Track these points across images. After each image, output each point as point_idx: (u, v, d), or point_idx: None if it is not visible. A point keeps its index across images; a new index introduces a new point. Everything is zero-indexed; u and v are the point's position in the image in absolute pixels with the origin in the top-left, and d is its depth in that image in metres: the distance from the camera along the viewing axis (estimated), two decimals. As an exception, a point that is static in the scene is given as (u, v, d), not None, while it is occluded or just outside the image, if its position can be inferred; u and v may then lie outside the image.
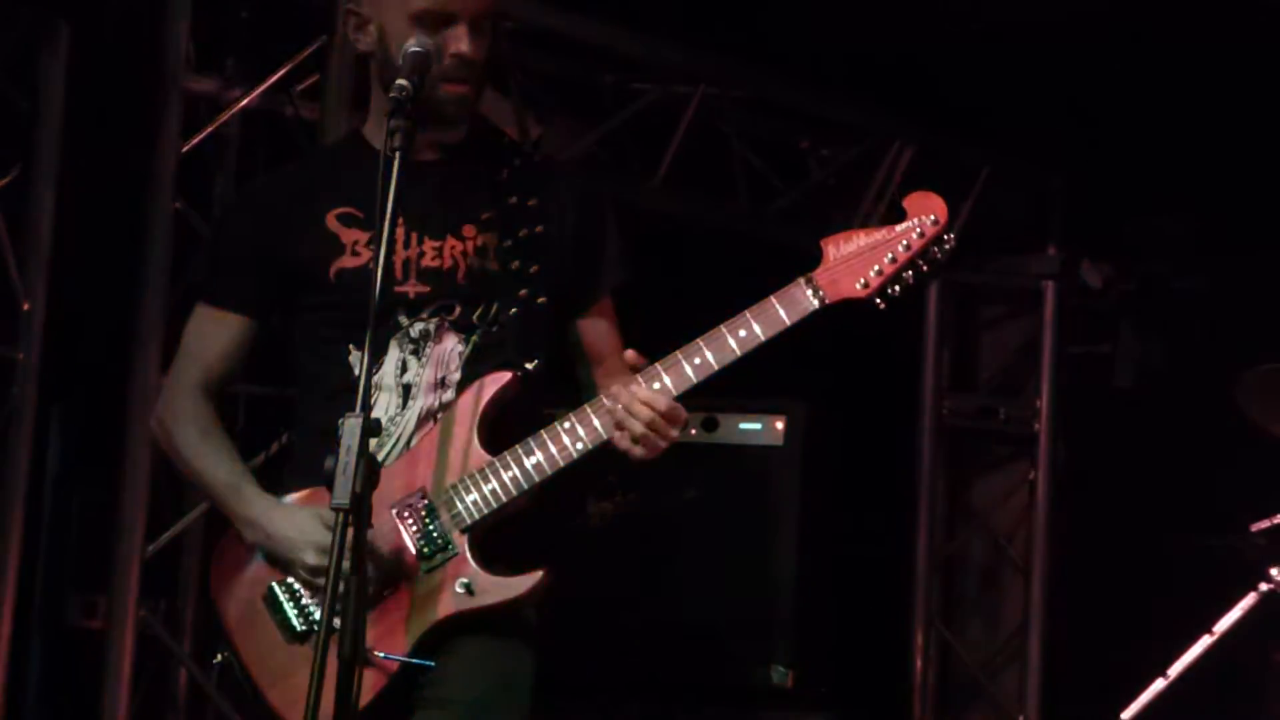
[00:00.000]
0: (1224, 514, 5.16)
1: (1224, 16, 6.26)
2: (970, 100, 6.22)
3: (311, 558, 3.47)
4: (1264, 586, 5.02)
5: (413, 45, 3.42)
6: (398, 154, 3.24)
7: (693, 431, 4.91)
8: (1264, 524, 5.01)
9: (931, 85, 6.35)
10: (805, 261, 3.46)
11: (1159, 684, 5.09)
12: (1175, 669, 5.04)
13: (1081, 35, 6.55)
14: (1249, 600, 4.96)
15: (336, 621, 3.11)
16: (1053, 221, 6.92)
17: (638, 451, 3.45)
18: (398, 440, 3.62)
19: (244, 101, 5.34)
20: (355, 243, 3.69)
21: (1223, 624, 4.98)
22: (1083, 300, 7.02)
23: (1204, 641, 5.02)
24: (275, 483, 3.68)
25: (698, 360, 3.45)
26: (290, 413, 3.89)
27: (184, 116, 5.32)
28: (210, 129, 5.32)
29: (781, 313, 3.49)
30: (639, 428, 3.44)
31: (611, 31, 6.14)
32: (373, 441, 3.19)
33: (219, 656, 3.78)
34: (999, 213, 6.64)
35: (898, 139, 5.53)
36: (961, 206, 5.67)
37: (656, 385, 3.47)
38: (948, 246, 3.53)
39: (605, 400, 3.53)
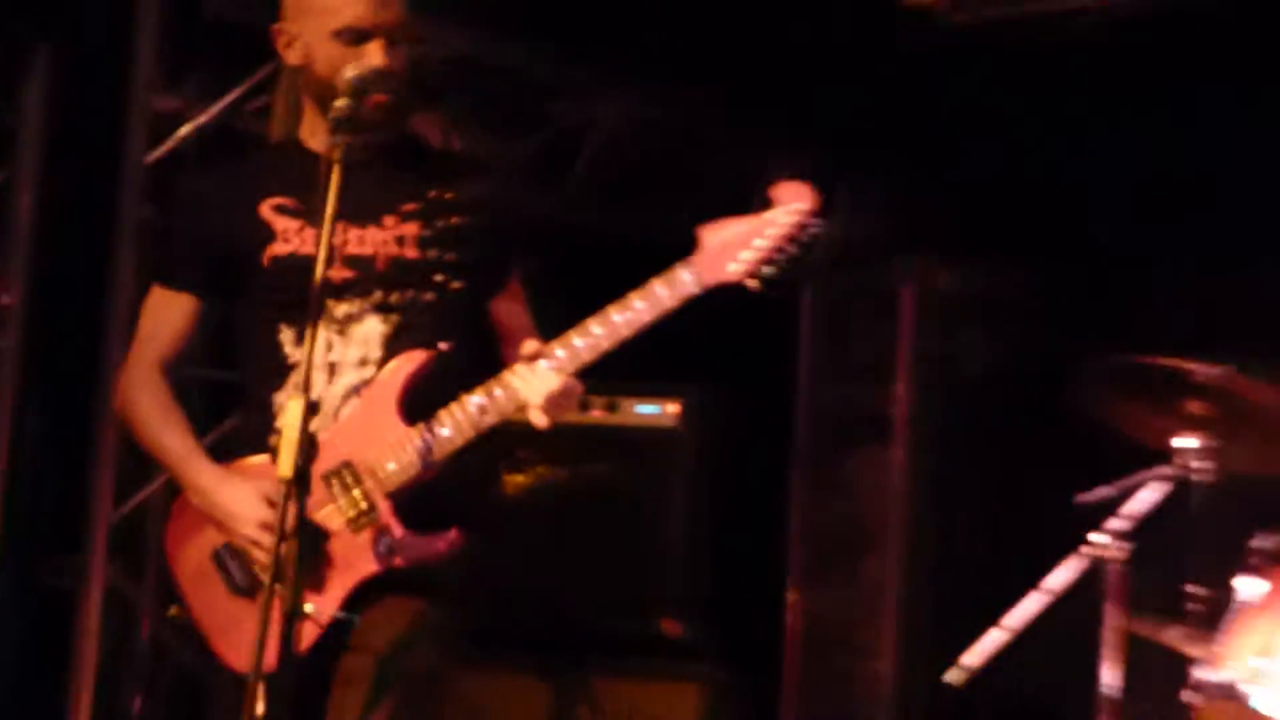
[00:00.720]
0: (1059, 488, 5.17)
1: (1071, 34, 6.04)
2: (842, 126, 6.21)
3: (249, 529, 3.64)
4: (1085, 549, 4.95)
5: (351, 71, 3.54)
6: (336, 166, 3.39)
7: (596, 414, 5.06)
8: (1088, 496, 5.03)
9: (803, 107, 6.26)
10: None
11: (994, 633, 5.01)
12: (1008, 620, 4.98)
13: (933, 55, 6.39)
14: (1073, 561, 4.97)
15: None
16: (910, 231, 6.88)
17: (540, 421, 3.61)
18: (325, 414, 3.71)
19: (202, 118, 5.29)
20: (287, 230, 3.81)
21: (1050, 581, 4.98)
22: (937, 300, 6.99)
23: (1034, 596, 5.01)
24: (225, 454, 3.86)
25: (589, 338, 3.61)
26: (237, 392, 4.07)
27: (151, 130, 5.21)
28: (171, 144, 5.20)
29: (662, 294, 3.59)
30: (538, 399, 3.59)
31: (530, 53, 5.97)
32: (310, 418, 3.36)
33: (172, 610, 3.98)
34: (864, 224, 6.67)
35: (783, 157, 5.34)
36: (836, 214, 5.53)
37: (554, 361, 3.63)
38: (814, 230, 3.60)
39: (510, 375, 3.68)
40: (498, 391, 3.66)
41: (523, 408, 3.66)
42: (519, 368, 3.66)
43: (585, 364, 3.64)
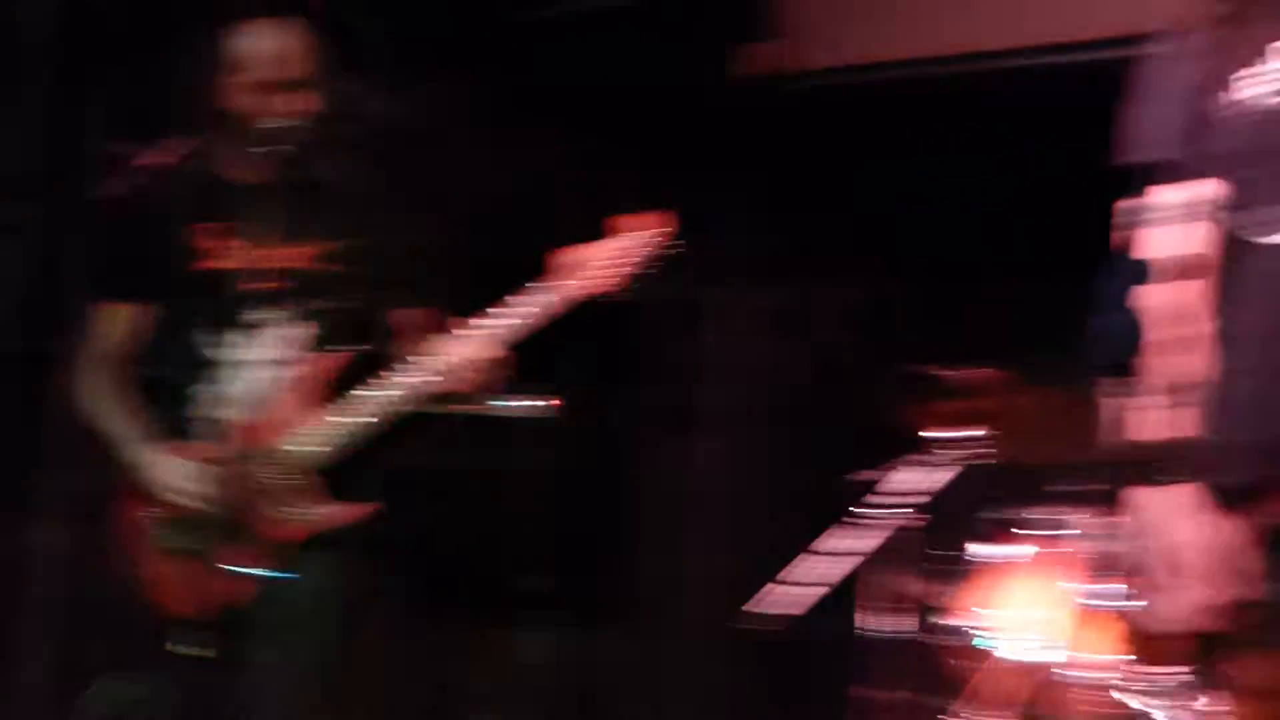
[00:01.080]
0: (854, 469, 5.36)
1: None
2: (681, 170, 6.20)
3: (180, 496, 3.89)
4: (863, 519, 5.25)
5: (267, 120, 3.87)
6: (262, 192, 3.85)
7: (486, 405, 5.01)
8: (860, 476, 5.33)
9: (649, 155, 6.36)
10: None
11: (775, 587, 5.36)
12: (798, 574, 5.32)
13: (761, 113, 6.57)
14: (853, 529, 5.29)
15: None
16: (731, 256, 6.91)
17: (464, 385, 3.89)
18: (247, 404, 3.93)
19: (148, 158, 4.67)
20: (213, 247, 3.99)
21: (832, 544, 5.32)
22: (754, 314, 7.20)
23: (819, 557, 5.32)
24: (162, 438, 4.00)
25: (490, 331, 3.88)
26: (163, 389, 4.11)
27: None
28: (124, 184, 4.52)
29: (536, 301, 3.89)
30: (445, 365, 3.85)
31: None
32: (232, 407, 3.86)
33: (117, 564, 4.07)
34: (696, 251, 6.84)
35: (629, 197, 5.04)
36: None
37: (465, 351, 3.88)
38: (666, 252, 3.96)
39: (422, 359, 3.89)
40: (413, 372, 3.90)
41: (438, 381, 3.90)
42: (433, 348, 3.91)
43: (492, 343, 3.91)
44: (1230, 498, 2.64)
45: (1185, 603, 2.55)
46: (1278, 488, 2.62)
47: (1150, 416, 2.20)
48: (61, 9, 5.14)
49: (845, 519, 5.26)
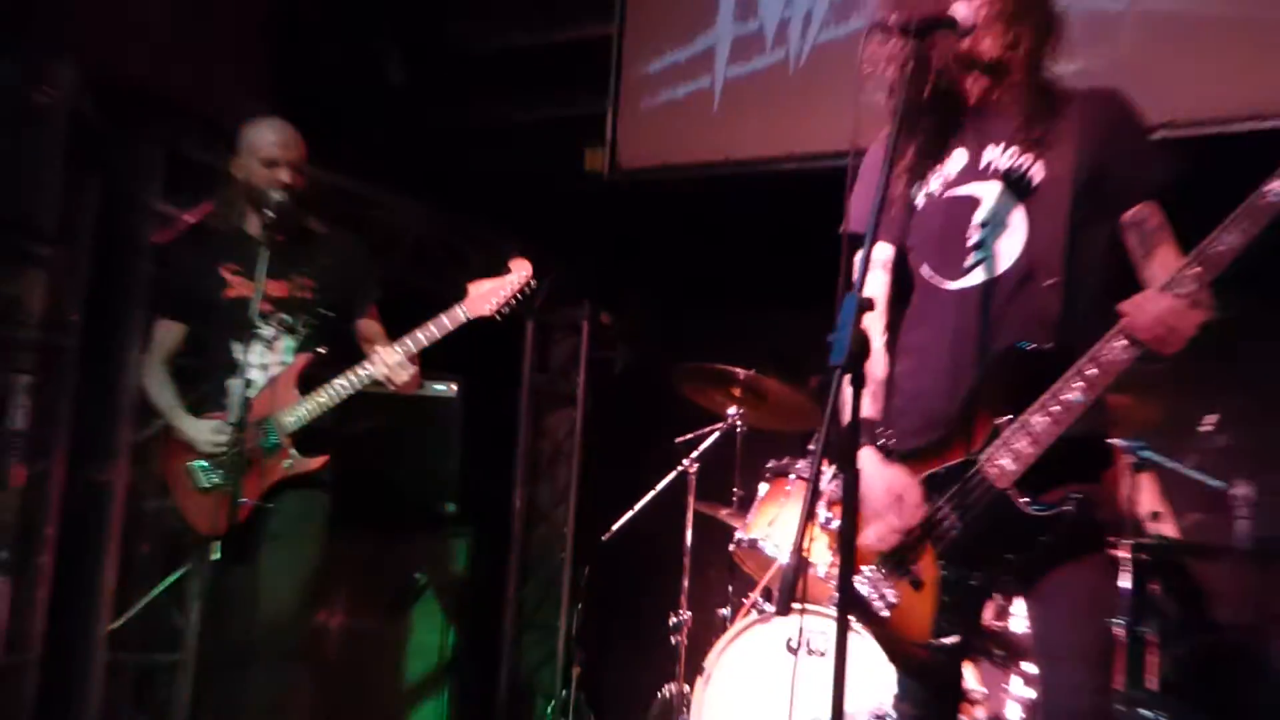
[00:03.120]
0: (669, 434, 5.20)
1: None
2: (553, 232, 6.20)
3: (207, 449, 3.92)
4: (680, 466, 5.03)
5: (272, 191, 3.84)
6: (268, 242, 3.75)
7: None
8: (681, 439, 5.12)
9: (531, 220, 6.22)
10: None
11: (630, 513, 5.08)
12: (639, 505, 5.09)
13: (601, 194, 6.27)
14: (672, 474, 5.08)
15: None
16: (582, 288, 6.96)
17: (396, 384, 3.89)
18: (256, 388, 3.90)
19: (191, 217, 5.06)
20: (235, 283, 3.97)
21: (658, 485, 5.08)
22: (601, 328, 7.12)
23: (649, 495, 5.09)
24: (196, 411, 4.11)
25: (412, 341, 3.88)
26: (203, 378, 4.17)
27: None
28: (173, 231, 4.96)
29: (448, 318, 3.87)
30: (383, 371, 3.85)
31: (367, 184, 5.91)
32: (246, 390, 3.80)
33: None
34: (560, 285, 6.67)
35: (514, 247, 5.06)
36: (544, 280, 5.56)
37: (400, 349, 3.88)
38: (534, 286, 3.94)
39: (371, 359, 3.89)
40: (362, 370, 3.90)
41: (377, 378, 3.90)
42: (375, 355, 3.88)
43: (413, 354, 3.91)
44: (902, 458, 2.67)
45: (880, 525, 2.57)
46: (933, 451, 2.63)
47: (851, 401, 2.17)
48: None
49: (674, 467, 5.12)
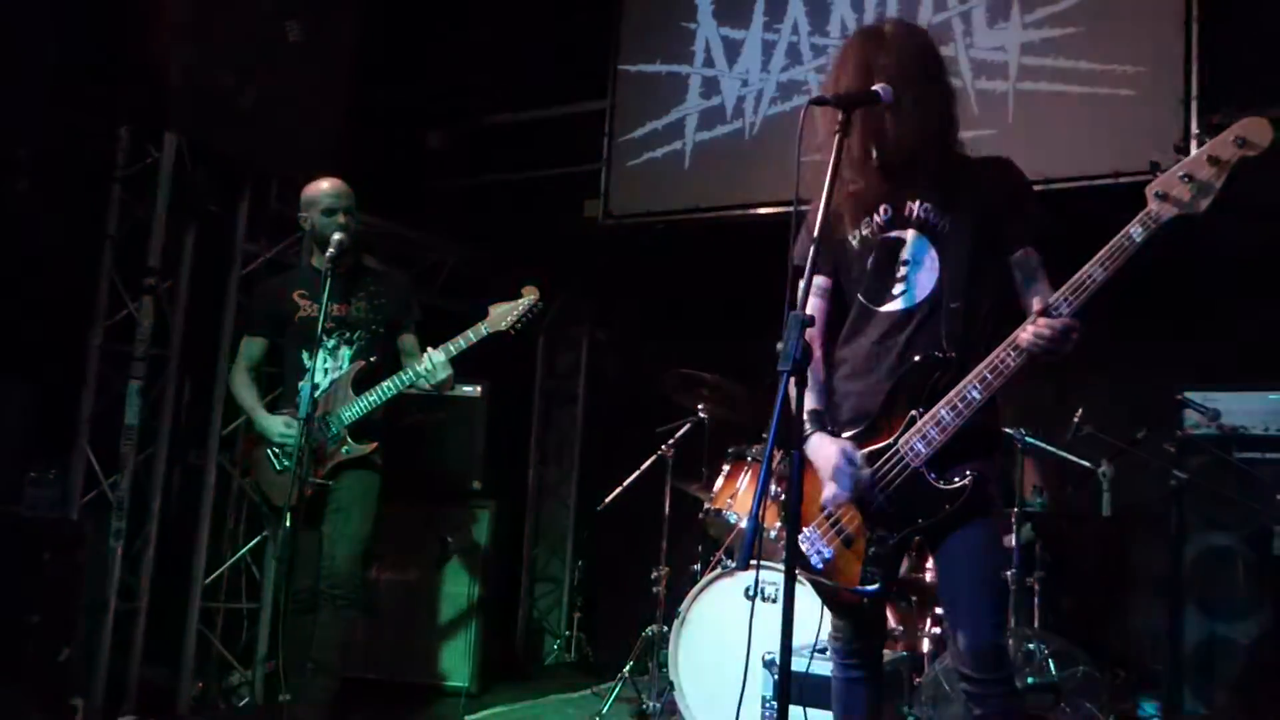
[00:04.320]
0: (652, 425, 5.09)
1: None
2: (555, 268, 6.04)
3: (277, 439, 3.90)
4: (660, 451, 4.93)
5: (335, 234, 3.82)
6: (330, 273, 3.72)
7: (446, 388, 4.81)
8: (664, 429, 5.01)
9: (538, 258, 6.09)
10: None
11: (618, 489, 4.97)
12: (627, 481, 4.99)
13: (594, 238, 6.24)
14: (654, 456, 4.95)
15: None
16: (583, 311, 6.79)
17: (436, 381, 3.81)
18: (324, 390, 3.88)
19: (269, 254, 5.06)
20: (305, 305, 3.95)
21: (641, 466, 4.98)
22: (599, 342, 6.95)
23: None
24: (274, 407, 4.10)
25: (451, 347, 3.83)
26: (281, 381, 4.12)
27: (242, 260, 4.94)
28: (255, 265, 4.99)
29: (473, 333, 3.84)
30: (428, 367, 3.80)
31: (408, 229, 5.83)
32: (314, 391, 3.77)
33: (247, 477, 4.21)
34: (565, 308, 6.60)
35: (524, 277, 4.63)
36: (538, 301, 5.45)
37: (442, 352, 3.84)
38: (540, 308, 3.90)
39: (416, 364, 3.84)
40: (406, 373, 3.84)
41: (422, 376, 3.82)
42: (425, 355, 3.83)
43: (451, 358, 3.85)
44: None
45: (836, 483, 2.54)
46: (862, 438, 2.61)
47: (798, 396, 2.16)
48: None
49: (655, 450, 5.01)
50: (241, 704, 4.82)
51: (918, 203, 2.62)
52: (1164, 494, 4.20)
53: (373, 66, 5.56)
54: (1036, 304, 2.41)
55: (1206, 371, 4.51)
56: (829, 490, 2.51)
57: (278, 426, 3.88)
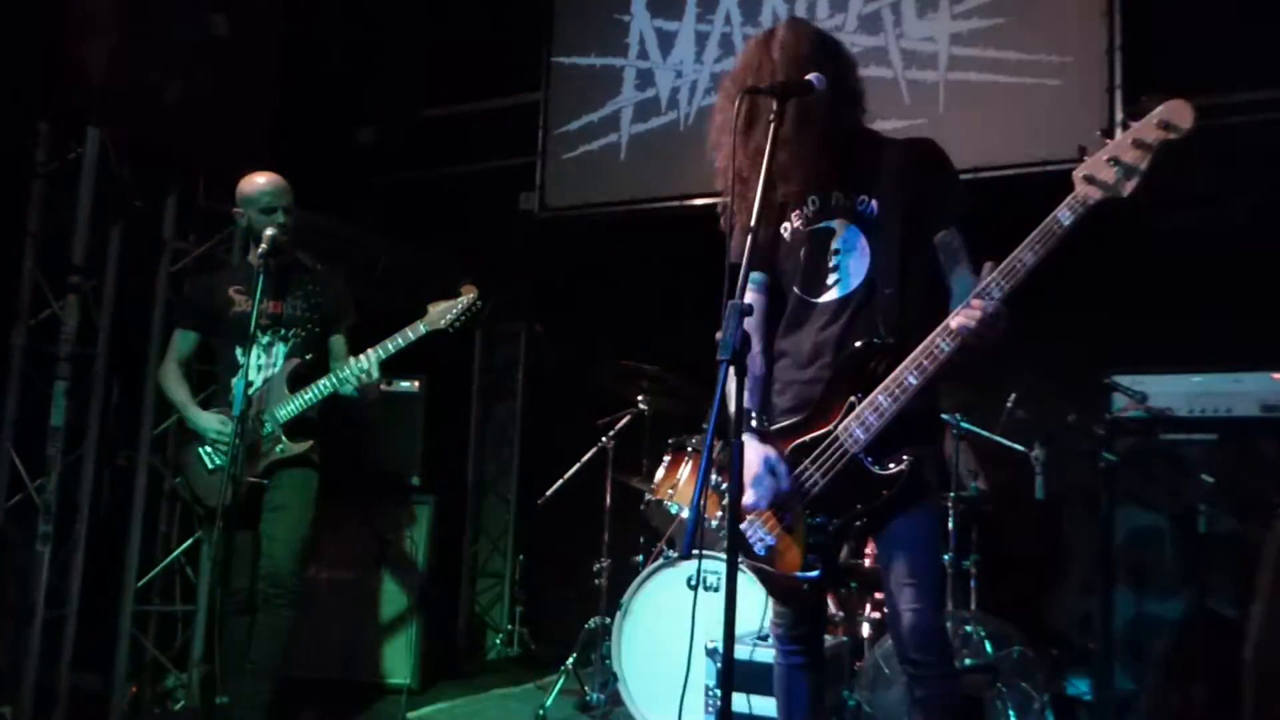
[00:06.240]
0: (588, 418, 5.07)
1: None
2: (491, 263, 6.10)
3: (212, 435, 3.83)
4: (601, 442, 4.93)
5: (269, 230, 3.76)
6: (263, 269, 3.64)
7: (383, 385, 4.73)
8: (601, 421, 4.99)
9: (479, 253, 6.15)
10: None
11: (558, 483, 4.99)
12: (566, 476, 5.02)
13: (526, 231, 6.28)
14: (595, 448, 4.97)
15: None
16: (520, 304, 6.82)
17: (366, 384, 3.80)
18: (258, 388, 3.83)
19: (198, 251, 4.93)
20: (240, 301, 3.91)
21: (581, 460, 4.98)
22: (536, 335, 6.91)
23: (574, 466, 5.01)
24: (207, 405, 4.04)
25: (383, 349, 3.79)
26: (213, 378, 4.10)
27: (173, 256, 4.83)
28: (184, 262, 4.86)
29: (414, 332, 3.79)
30: (358, 372, 3.76)
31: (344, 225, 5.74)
32: (248, 388, 3.73)
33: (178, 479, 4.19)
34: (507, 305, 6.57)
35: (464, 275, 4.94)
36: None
37: (374, 354, 3.80)
38: (480, 305, 3.85)
39: (345, 365, 3.80)
40: (335, 374, 3.81)
41: (353, 378, 3.79)
42: (353, 359, 3.80)
43: (382, 360, 3.83)
44: (779, 432, 2.66)
45: (756, 489, 2.55)
46: (803, 425, 2.61)
47: (734, 392, 2.16)
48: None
49: (595, 442, 5.01)
50: (177, 707, 4.75)
51: (844, 191, 2.64)
52: (1094, 475, 4.23)
53: (302, 60, 5.49)
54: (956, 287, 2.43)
55: (1134, 356, 4.55)
56: (748, 497, 2.48)
57: (212, 424, 3.83)
